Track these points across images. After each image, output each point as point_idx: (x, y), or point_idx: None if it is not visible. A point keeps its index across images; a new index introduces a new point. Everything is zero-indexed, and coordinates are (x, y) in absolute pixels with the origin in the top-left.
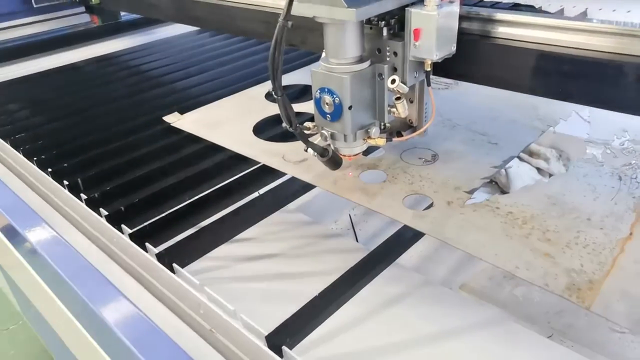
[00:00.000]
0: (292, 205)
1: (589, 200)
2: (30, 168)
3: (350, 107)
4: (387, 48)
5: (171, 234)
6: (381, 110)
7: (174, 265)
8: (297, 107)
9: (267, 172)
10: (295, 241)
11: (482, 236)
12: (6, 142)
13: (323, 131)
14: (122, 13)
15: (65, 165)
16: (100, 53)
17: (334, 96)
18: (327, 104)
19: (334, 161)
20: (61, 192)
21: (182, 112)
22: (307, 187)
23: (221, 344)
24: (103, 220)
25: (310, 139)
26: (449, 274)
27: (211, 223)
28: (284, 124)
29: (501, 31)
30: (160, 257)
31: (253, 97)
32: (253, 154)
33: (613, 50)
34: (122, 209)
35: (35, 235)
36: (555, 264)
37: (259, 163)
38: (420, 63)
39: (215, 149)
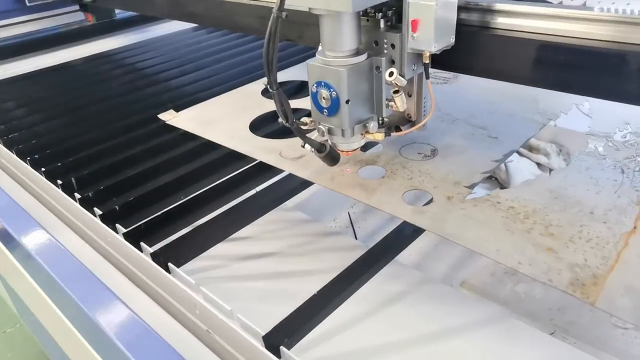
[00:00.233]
0: (289, 203)
1: (592, 193)
2: (24, 168)
3: (347, 101)
4: (385, 40)
5: (167, 233)
6: (379, 104)
7: (169, 264)
8: (294, 104)
9: (264, 169)
10: (293, 239)
11: (484, 231)
12: None
13: (320, 126)
14: (117, 11)
15: (59, 164)
16: (95, 51)
17: (331, 90)
18: (324, 98)
19: (331, 157)
20: (55, 192)
21: (177, 110)
22: (304, 184)
23: (218, 345)
24: (97, 219)
25: (308, 135)
26: (449, 271)
27: (207, 221)
28: (280, 120)
29: (500, 22)
30: (155, 256)
31: (249, 94)
32: (249, 151)
33: (614, 39)
34: (117, 208)
35: (29, 238)
36: (559, 259)
37: (256, 160)
38: (419, 55)
39: (211, 146)
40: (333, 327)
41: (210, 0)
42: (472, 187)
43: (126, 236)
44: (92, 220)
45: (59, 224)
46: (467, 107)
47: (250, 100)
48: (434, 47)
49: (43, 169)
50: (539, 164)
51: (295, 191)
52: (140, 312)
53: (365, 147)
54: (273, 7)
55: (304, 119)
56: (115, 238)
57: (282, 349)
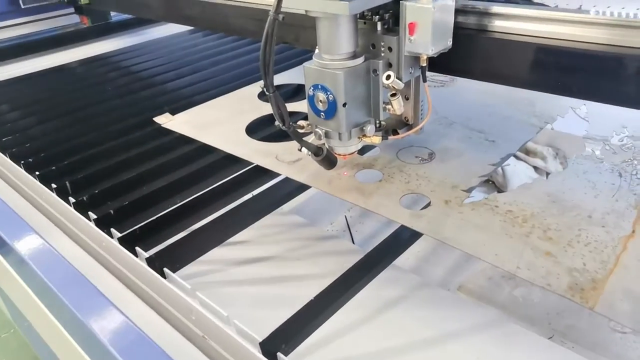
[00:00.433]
0: (286, 207)
1: (590, 197)
2: (18, 171)
3: (344, 104)
4: (382, 43)
5: (162, 238)
6: (376, 107)
7: (165, 269)
8: (291, 107)
9: (261, 173)
10: (290, 243)
11: (482, 235)
12: None
13: (317, 129)
14: (112, 13)
15: (54, 168)
16: (90, 54)
17: (328, 93)
18: (320, 101)
19: (328, 160)
20: (49, 196)
21: (173, 113)
22: (301, 187)
23: (214, 351)
24: (92, 224)
25: (304, 138)
26: (447, 275)
27: (203, 226)
28: (276, 123)
29: (498, 25)
30: (150, 261)
31: (246, 97)
32: (246, 154)
33: (611, 42)
34: (112, 212)
35: (22, 243)
36: (557, 263)
37: (252, 164)
38: (416, 58)
39: (207, 149)
40: (331, 333)
41: (206, 3)
42: (469, 190)
43: (121, 241)
44: (86, 225)
45: (53, 229)
46: (464, 110)
47: (246, 103)
48: (431, 50)
49: (37, 173)
50: (536, 168)
51: (292, 195)
52: (135, 318)
53: (363, 151)
54: (269, 10)
55: (301, 122)
56: (110, 243)
57: (279, 355)
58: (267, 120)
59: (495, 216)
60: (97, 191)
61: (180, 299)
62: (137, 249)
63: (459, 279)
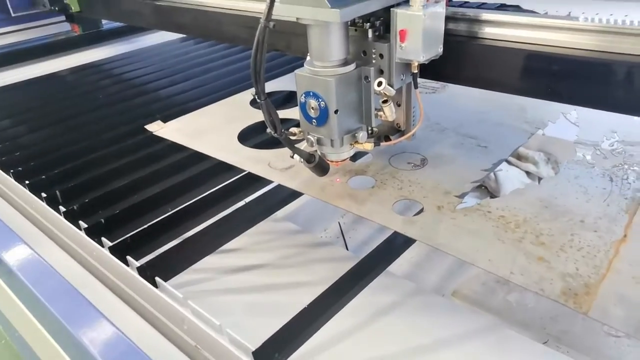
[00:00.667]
0: (280, 214)
1: (582, 202)
2: (7, 180)
3: (336, 111)
4: (373, 50)
5: (154, 246)
6: (368, 114)
7: (157, 279)
8: (282, 114)
9: (253, 180)
10: (284, 251)
11: (475, 241)
12: None
13: (309, 136)
14: (104, 21)
15: (44, 177)
16: (82, 62)
17: (320, 100)
18: (312, 108)
19: (321, 167)
20: (39, 205)
21: (165, 121)
22: (295, 194)
23: None
24: (82, 233)
25: (297, 145)
26: (441, 280)
27: (196, 234)
28: (268, 130)
29: (488, 31)
30: (141, 270)
31: (238, 104)
32: (238, 161)
33: (600, 48)
34: (102, 221)
35: (10, 254)
36: (550, 269)
37: (245, 171)
38: (407, 65)
39: (199, 157)
40: (324, 341)
41: (197, 11)
42: (462, 196)
43: (112, 250)
44: (77, 234)
45: (43, 238)
46: (456, 117)
47: (238, 110)
48: (422, 57)
49: (27, 182)
50: (528, 173)
51: (285, 202)
52: (126, 328)
53: (355, 157)
54: (260, 17)
55: (293, 129)
56: (101, 252)
57: None
58: (259, 127)
59: (487, 222)
60: (87, 200)
61: (172, 308)
62: (129, 258)
63: (453, 285)
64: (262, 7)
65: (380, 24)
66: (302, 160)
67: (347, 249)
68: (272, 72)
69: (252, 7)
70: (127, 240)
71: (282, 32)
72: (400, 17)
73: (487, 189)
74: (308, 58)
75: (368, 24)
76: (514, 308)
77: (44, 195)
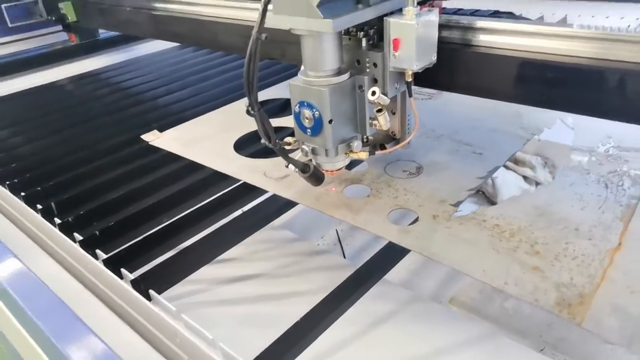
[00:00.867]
0: (277, 222)
1: (577, 209)
2: (2, 192)
3: (330, 121)
4: (367, 59)
5: (150, 257)
6: (363, 123)
7: (151, 291)
8: (278, 122)
9: (250, 190)
10: (281, 260)
11: (469, 251)
12: None
13: (304, 146)
14: (101, 30)
15: (39, 188)
16: (79, 71)
17: (314, 110)
18: (306, 118)
19: (315, 177)
20: (34, 217)
21: (162, 129)
22: (291, 203)
23: None
24: (76, 245)
25: (292, 154)
26: (438, 287)
27: (192, 245)
28: (262, 140)
29: (482, 39)
30: (135, 283)
31: (234, 113)
32: (234, 171)
33: (594, 55)
34: (97, 233)
35: (2, 268)
36: (545, 278)
37: (240, 180)
38: (401, 74)
39: (195, 167)
40: (320, 353)
41: (193, 20)
42: (457, 205)
43: (106, 262)
44: (71, 247)
45: (36, 251)
46: (451, 123)
47: (235, 119)
48: (416, 66)
49: (22, 194)
50: (525, 177)
51: (281, 211)
52: (119, 343)
53: (350, 166)
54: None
55: (288, 139)
56: (95, 265)
57: None
58: (255, 136)
59: (482, 231)
60: (82, 212)
61: (164, 322)
62: (123, 270)
63: (450, 292)
64: (257, 17)
65: (374, 33)
66: (296, 170)
67: (344, 256)
68: (268, 80)
69: (247, 16)
70: (121, 252)
71: (277, 40)
72: (394, 26)
73: (484, 194)
74: (302, 68)
75: (362, 32)
76: (510, 315)
77: (39, 207)
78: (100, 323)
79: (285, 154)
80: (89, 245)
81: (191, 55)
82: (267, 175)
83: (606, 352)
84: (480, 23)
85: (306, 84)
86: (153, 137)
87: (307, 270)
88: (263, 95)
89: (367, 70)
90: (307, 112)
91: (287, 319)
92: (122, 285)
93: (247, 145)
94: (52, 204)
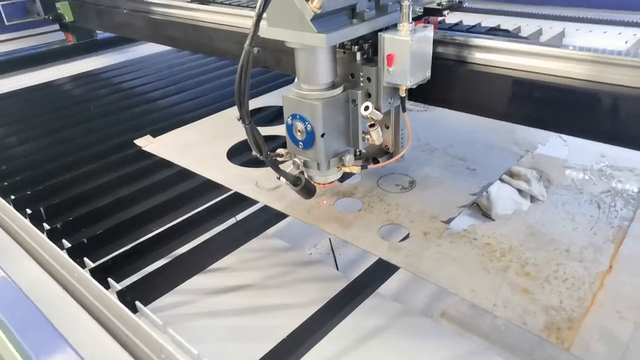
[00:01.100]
0: (269, 229)
1: (568, 230)
2: None
3: (323, 135)
4: (361, 73)
5: (139, 266)
6: (355, 137)
7: (137, 303)
8: (272, 131)
9: (242, 199)
10: (272, 270)
11: (459, 270)
12: None
13: (295, 159)
14: (98, 31)
15: (29, 192)
16: (75, 72)
17: (306, 123)
18: (299, 131)
19: (307, 190)
20: (21, 222)
21: (157, 134)
22: (282, 214)
23: None
24: (63, 253)
25: (284, 165)
26: (430, 301)
27: (181, 254)
28: (254, 152)
29: (477, 57)
30: (121, 294)
31: (230, 119)
32: (225, 180)
33: (588, 77)
34: (85, 241)
35: None
36: (534, 301)
37: (232, 190)
38: (395, 89)
39: (187, 174)
40: None
41: (188, 25)
42: (448, 222)
43: (93, 272)
44: (58, 254)
45: (24, 257)
46: (446, 137)
47: (229, 126)
48: (410, 82)
49: (12, 197)
50: (520, 191)
51: (271, 222)
52: (103, 357)
53: (343, 178)
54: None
55: (280, 151)
56: (81, 274)
57: None
58: (248, 144)
59: (473, 250)
60: (71, 218)
61: (149, 336)
62: (110, 280)
63: (442, 305)
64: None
65: (368, 47)
66: (288, 183)
67: (336, 266)
68: (263, 87)
69: (245, 23)
70: (109, 261)
71: (272, 49)
72: (388, 42)
73: (479, 207)
74: (296, 80)
75: (356, 46)
76: (502, 331)
77: (28, 211)
78: (85, 335)
79: (276, 167)
80: (76, 253)
81: (188, 58)
82: (259, 185)
83: None
84: (476, 41)
85: (299, 97)
86: (146, 142)
87: (299, 281)
88: (258, 102)
89: (361, 84)
90: (299, 125)
91: (277, 333)
92: (107, 296)
93: (239, 154)
94: (42, 209)
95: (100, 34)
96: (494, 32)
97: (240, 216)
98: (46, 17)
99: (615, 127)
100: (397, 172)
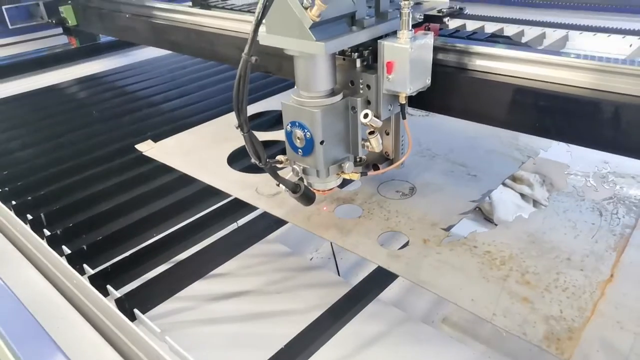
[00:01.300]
0: (271, 234)
1: (569, 238)
2: None
3: (322, 142)
4: (360, 80)
5: (138, 273)
6: (355, 144)
7: (135, 310)
8: (272, 136)
9: (243, 205)
10: (272, 275)
11: (459, 278)
12: None
13: (295, 166)
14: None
15: (30, 198)
16: (78, 75)
17: (305, 130)
18: (298, 138)
19: (306, 197)
20: (21, 228)
21: (158, 138)
22: (282, 220)
23: None
24: (63, 259)
25: (284, 171)
26: (431, 306)
27: (181, 261)
28: (253, 160)
29: (478, 64)
30: (119, 302)
31: (230, 124)
32: (225, 186)
33: (590, 86)
34: (84, 247)
35: None
36: (534, 310)
37: (232, 196)
38: (395, 96)
39: (187, 180)
40: None
41: (190, 30)
42: (448, 229)
43: (92, 279)
44: (58, 261)
45: (23, 263)
46: (447, 142)
47: (230, 131)
48: (409, 89)
49: (13, 203)
50: (522, 195)
51: (271, 229)
52: None
53: (343, 184)
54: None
55: (279, 157)
56: (80, 281)
57: None
58: None
59: (473, 257)
60: (71, 224)
61: (147, 345)
62: (109, 287)
63: (444, 311)
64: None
65: (368, 54)
66: (287, 190)
67: (338, 271)
68: (263, 92)
69: (245, 28)
70: (108, 268)
71: (273, 54)
72: (388, 49)
73: (481, 211)
74: (295, 87)
75: (356, 53)
76: (503, 338)
77: (29, 217)
78: (83, 343)
79: (275, 174)
80: (75, 260)
81: (191, 61)
82: (259, 191)
83: None
84: (476, 48)
85: (298, 104)
86: (147, 147)
87: (300, 287)
88: (258, 107)
89: (361, 91)
90: (298, 132)
91: (278, 340)
92: (106, 303)
93: (240, 159)
94: (42, 215)
95: (103, 38)
96: (495, 38)
97: (241, 222)
98: (49, 20)
99: (617, 136)
100: (397, 178)
